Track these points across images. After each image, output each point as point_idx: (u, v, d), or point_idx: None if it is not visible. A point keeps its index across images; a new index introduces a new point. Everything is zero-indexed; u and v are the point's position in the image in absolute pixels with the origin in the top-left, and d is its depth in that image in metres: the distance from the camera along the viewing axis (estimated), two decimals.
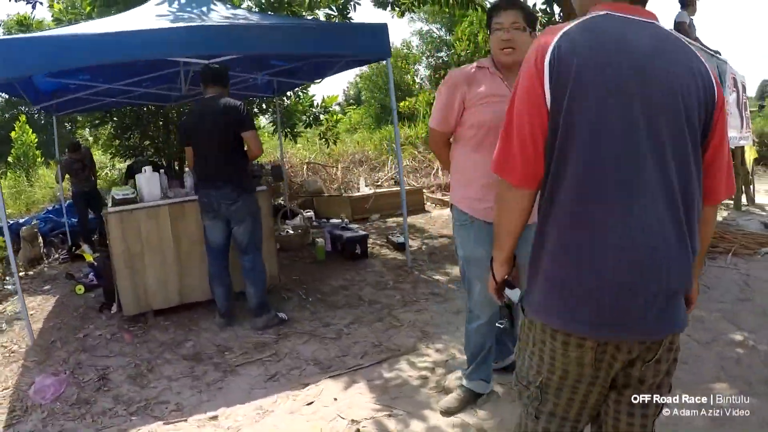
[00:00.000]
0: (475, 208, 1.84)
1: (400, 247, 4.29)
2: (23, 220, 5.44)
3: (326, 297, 3.41)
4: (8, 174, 7.28)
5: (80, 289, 3.90)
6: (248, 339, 2.83)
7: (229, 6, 3.73)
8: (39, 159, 8.12)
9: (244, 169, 2.83)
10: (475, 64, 1.81)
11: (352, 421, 2.02)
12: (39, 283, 4.42)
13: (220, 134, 2.71)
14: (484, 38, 10.59)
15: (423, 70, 13.19)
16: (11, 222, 5.41)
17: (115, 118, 5.90)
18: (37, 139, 8.11)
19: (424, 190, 6.46)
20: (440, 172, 7.55)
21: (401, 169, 3.94)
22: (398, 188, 6.31)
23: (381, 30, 3.51)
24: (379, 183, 6.71)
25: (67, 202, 5.90)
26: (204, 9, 3.42)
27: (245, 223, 2.81)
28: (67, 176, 5.05)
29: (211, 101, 2.78)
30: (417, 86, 12.39)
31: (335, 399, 2.19)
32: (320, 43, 3.31)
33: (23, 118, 8.34)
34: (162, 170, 3.27)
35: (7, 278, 4.58)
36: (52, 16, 4.39)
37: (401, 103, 9.89)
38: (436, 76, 11.61)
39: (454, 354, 2.53)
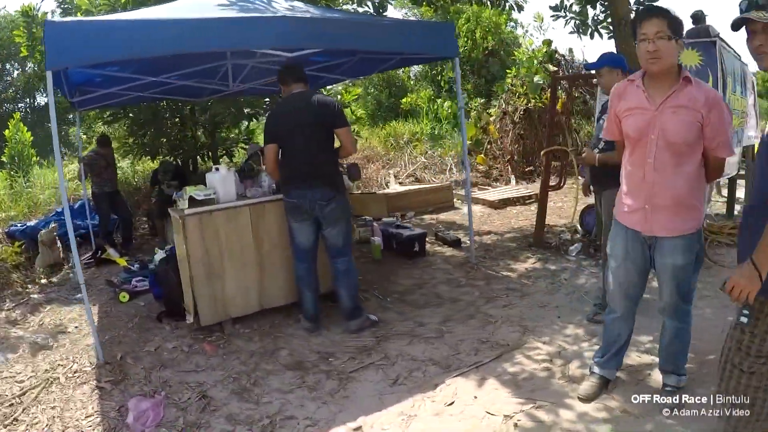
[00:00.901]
0: (618, 210, 1.98)
1: (455, 244, 4.29)
2: (33, 222, 4.98)
3: (404, 296, 3.35)
4: (1, 174, 6.66)
5: (124, 296, 3.63)
6: (346, 343, 2.74)
7: None
8: (34, 158, 7.45)
9: (337, 167, 2.72)
10: (628, 77, 1.91)
11: (505, 416, 2.02)
12: (68, 291, 4.07)
13: (314, 131, 2.59)
14: (481, 35, 10.75)
15: (416, 67, 13.18)
16: (24, 225, 4.96)
17: (130, 115, 5.50)
18: (32, 138, 7.43)
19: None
20: (454, 168, 7.60)
21: (467, 166, 3.92)
22: (428, 186, 6.30)
23: (448, 29, 3.49)
24: (400, 180, 6.67)
25: (78, 203, 5.48)
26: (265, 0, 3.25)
27: (339, 225, 2.70)
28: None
29: (301, 97, 2.64)
30: (411, 82, 12.39)
31: (475, 397, 2.16)
32: (394, 40, 3.24)
33: (17, 115, 7.60)
34: (234, 170, 3.07)
35: (29, 286, 4.18)
36: (81, 7, 4.00)
37: (404, 99, 9.89)
38: (433, 72, 11.67)
39: (563, 345, 2.57)
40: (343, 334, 2.83)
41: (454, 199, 6.03)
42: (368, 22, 3.36)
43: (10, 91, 13.24)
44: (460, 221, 5.31)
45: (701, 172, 1.80)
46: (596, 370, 2.15)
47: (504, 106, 7.31)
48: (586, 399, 2.08)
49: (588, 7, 4.53)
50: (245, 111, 5.80)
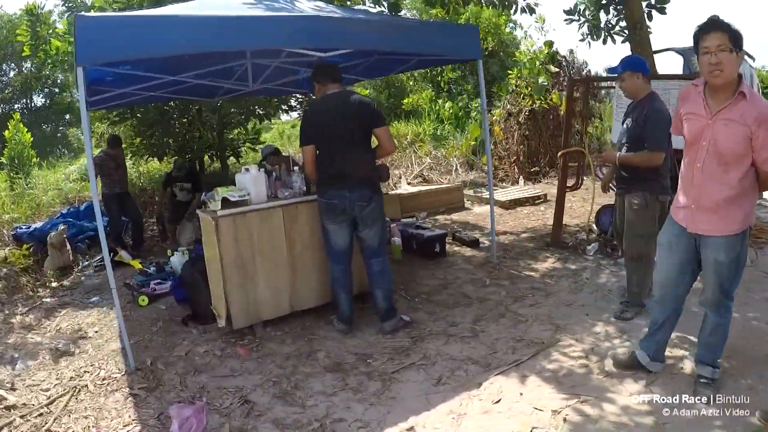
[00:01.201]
0: (672, 206, 2.11)
1: (473, 245, 4.32)
2: (39, 224, 4.86)
3: (431, 296, 3.37)
4: (1, 175, 6.47)
5: (144, 300, 3.57)
6: (383, 344, 2.74)
7: None
8: (34, 159, 7.24)
9: (375, 167, 2.72)
10: (693, 82, 1.99)
11: (553, 411, 2.06)
12: (82, 295, 3.98)
13: (354, 131, 2.59)
14: (481, 35, 10.79)
15: None
16: (29, 227, 4.84)
17: (138, 115, 5.40)
18: (32, 139, 7.22)
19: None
20: (459, 169, 7.65)
21: (490, 167, 3.96)
22: (439, 186, 6.33)
23: (473, 32, 3.52)
24: (409, 181, 6.69)
25: (84, 204, 5.37)
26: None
27: (377, 225, 2.71)
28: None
29: (339, 97, 2.64)
30: (411, 83, 12.43)
31: (521, 394, 2.20)
32: (419, 41, 3.24)
33: (17, 116, 7.37)
34: (262, 169, 3.04)
35: (40, 290, 4.07)
36: (95, 5, 3.93)
37: (405, 100, 9.90)
38: (433, 73, 11.72)
39: (596, 343, 2.62)
40: (377, 335, 2.83)
41: (465, 200, 6.06)
42: (395, 23, 3.37)
43: (7, 91, 12.86)
44: (474, 221, 5.36)
45: (749, 179, 1.88)
46: (637, 349, 2.31)
47: (508, 107, 7.39)
48: (615, 365, 2.31)
49: (601, 12, 4.60)
50: (257, 111, 5.74)
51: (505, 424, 2.01)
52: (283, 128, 10.82)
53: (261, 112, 5.78)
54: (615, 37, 4.44)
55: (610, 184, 3.17)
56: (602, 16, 4.59)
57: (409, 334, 2.82)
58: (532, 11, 5.01)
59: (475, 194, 6.30)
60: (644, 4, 4.26)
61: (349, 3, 5.22)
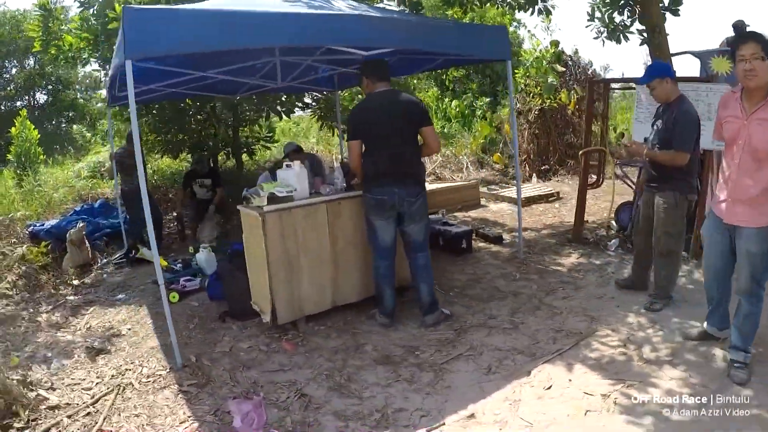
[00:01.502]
0: (713, 200, 2.29)
1: (497, 241, 4.41)
2: (55, 221, 4.80)
3: (464, 291, 3.44)
4: (4, 173, 6.32)
5: (174, 296, 3.57)
6: (427, 337, 2.80)
7: None
8: (41, 157, 7.09)
9: (422, 164, 2.78)
10: (731, 90, 2.20)
11: (602, 395, 2.17)
12: (106, 292, 3.96)
13: (404, 129, 2.66)
14: None
15: None
16: (42, 224, 4.77)
17: (154, 111, 5.34)
18: (39, 136, 7.06)
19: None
20: (470, 167, 7.74)
21: (518, 167, 4.04)
22: (455, 184, 6.40)
23: (502, 32, 3.58)
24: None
25: (99, 201, 5.31)
26: None
27: (423, 220, 2.78)
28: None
29: (388, 96, 2.70)
30: (415, 81, 12.44)
31: (570, 380, 2.29)
32: (452, 41, 3.31)
33: (24, 112, 7.20)
34: (306, 161, 3.06)
35: (62, 287, 4.03)
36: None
37: None
38: (437, 71, 11.76)
39: (631, 332, 2.73)
40: (419, 328, 2.89)
41: (481, 197, 6.14)
42: (423, 22, 3.41)
43: (9, 88, 12.49)
44: (493, 218, 5.45)
45: None
46: (705, 323, 2.54)
47: (518, 105, 7.51)
48: (687, 338, 2.59)
49: (615, 13, 4.71)
50: (277, 107, 5.74)
51: (560, 409, 2.10)
52: (288, 126, 10.74)
53: (281, 109, 5.78)
54: (629, 36, 4.55)
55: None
56: (617, 17, 4.69)
57: (451, 326, 2.89)
58: (549, 13, 5.10)
59: (490, 191, 6.39)
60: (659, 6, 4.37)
61: (368, 1, 5.25)
